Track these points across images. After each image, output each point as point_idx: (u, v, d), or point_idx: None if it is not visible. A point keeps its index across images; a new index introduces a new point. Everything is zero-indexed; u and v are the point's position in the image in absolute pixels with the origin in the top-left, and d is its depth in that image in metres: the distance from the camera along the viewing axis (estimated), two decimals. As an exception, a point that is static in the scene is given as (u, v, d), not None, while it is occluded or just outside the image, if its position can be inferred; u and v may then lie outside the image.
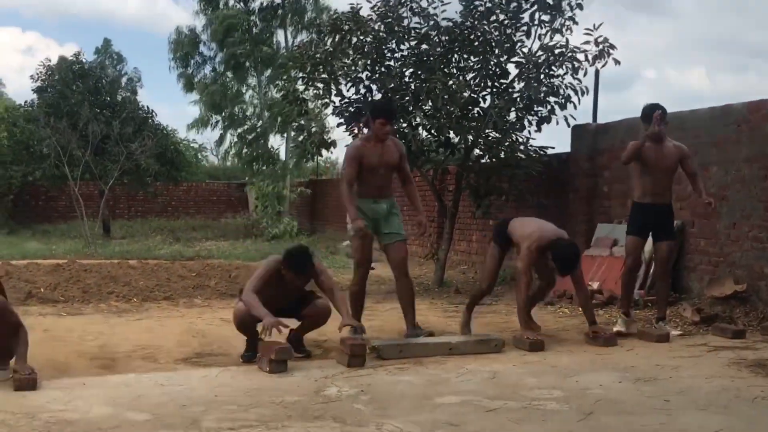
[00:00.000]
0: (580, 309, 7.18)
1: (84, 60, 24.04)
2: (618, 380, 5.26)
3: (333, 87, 10.61)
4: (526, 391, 4.92)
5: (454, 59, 10.55)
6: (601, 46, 9.87)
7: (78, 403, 4.47)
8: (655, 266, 7.60)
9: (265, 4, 25.40)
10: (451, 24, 10.36)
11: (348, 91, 10.66)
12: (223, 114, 26.27)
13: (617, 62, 9.98)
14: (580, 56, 9.99)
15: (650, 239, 7.44)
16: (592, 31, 9.87)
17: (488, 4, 10.26)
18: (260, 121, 25.03)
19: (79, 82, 22.49)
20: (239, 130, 26.07)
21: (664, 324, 7.18)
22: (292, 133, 21.73)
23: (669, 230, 7.25)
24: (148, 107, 23.44)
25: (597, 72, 10.62)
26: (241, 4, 26.09)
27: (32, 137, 20.60)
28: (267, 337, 5.71)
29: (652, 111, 7.11)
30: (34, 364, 5.49)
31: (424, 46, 10.42)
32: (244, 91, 26.66)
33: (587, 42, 9.91)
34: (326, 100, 10.83)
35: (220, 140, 27.79)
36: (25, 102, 23.47)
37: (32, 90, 23.00)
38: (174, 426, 4.06)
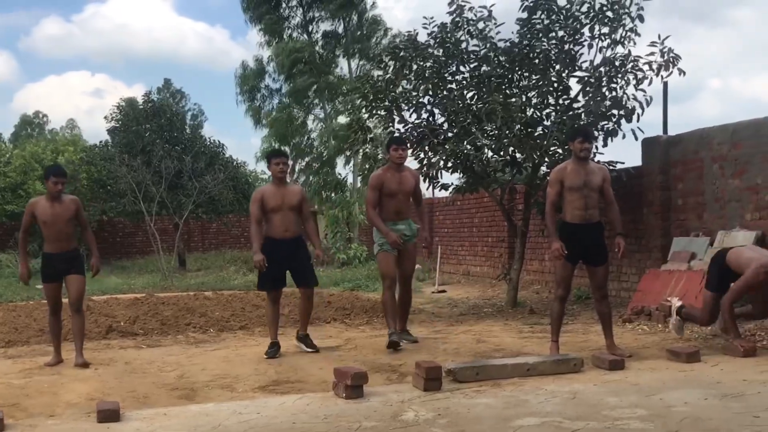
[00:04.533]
0: None
1: (155, 99, 24.81)
2: (704, 397, 5.08)
3: (395, 113, 10.67)
4: (607, 410, 4.80)
5: (514, 78, 10.52)
6: (666, 56, 9.72)
7: (160, 433, 4.55)
8: None
9: (327, 31, 25.82)
10: (509, 44, 10.35)
11: (410, 116, 10.72)
12: (291, 144, 26.70)
13: (682, 72, 9.80)
14: (644, 66, 9.85)
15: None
16: (657, 42, 9.74)
17: (546, 22, 10.23)
18: (326, 150, 25.35)
19: (152, 121, 23.20)
20: (306, 159, 26.45)
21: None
22: (359, 160, 21.97)
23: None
24: (219, 141, 24.05)
25: (665, 84, 10.43)
26: (305, 35, 26.59)
27: (109, 175, 21.32)
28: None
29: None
30: (116, 396, 5.64)
31: (484, 68, 10.42)
32: (310, 121, 27.10)
33: (652, 53, 9.78)
34: (390, 127, 10.90)
35: (291, 171, 28.23)
36: (100, 142, 24.35)
37: (107, 130, 23.84)
38: (254, 454, 4.08)
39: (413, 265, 8.15)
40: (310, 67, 25.40)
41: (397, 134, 10.72)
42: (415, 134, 10.57)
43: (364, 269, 16.59)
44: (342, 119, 25.21)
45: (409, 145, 10.58)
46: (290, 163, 8.74)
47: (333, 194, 23.86)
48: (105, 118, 24.00)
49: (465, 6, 10.45)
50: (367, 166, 12.19)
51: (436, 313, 10.91)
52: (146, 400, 5.74)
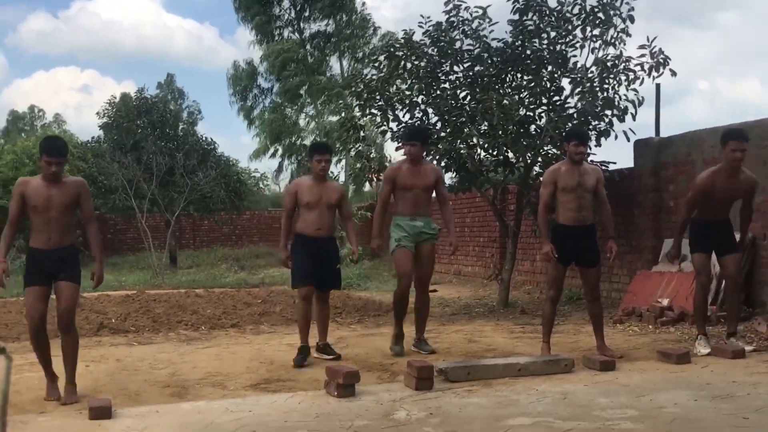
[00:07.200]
0: None
1: (148, 95, 24.73)
2: (694, 398, 5.12)
3: (389, 113, 10.69)
4: (598, 411, 4.83)
5: (507, 78, 10.55)
6: (656, 58, 9.77)
7: (152, 430, 4.56)
8: (725, 281, 7.37)
9: (318, 31, 25.82)
10: (502, 44, 10.38)
11: (404, 115, 10.73)
12: (283, 143, 26.69)
13: (674, 73, 9.85)
14: (636, 68, 9.90)
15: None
16: (647, 44, 9.79)
17: (537, 23, 10.27)
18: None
19: (144, 118, 23.12)
20: (298, 158, 26.45)
21: (735, 340, 6.97)
22: (351, 159, 21.96)
23: (732, 243, 7.02)
24: (211, 139, 23.99)
25: (658, 86, 10.48)
26: (296, 34, 26.57)
27: (100, 172, 21.26)
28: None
29: (729, 136, 6.83)
30: (108, 393, 5.64)
31: (477, 68, 10.45)
32: (301, 119, 27.09)
33: (643, 55, 9.83)
34: (383, 127, 10.91)
35: (279, 168, 28.26)
36: (92, 138, 24.25)
37: (98, 126, 23.75)
38: (246, 452, 4.09)
39: (431, 267, 7.50)
40: (302, 66, 25.41)
41: (393, 131, 10.74)
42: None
43: (356, 268, 16.58)
44: (332, 119, 25.23)
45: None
46: (332, 159, 8.05)
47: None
48: (97, 114, 23.91)
49: (461, 5, 10.49)
50: (359, 165, 12.20)
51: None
52: (138, 398, 5.73)
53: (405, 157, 7.39)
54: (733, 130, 6.93)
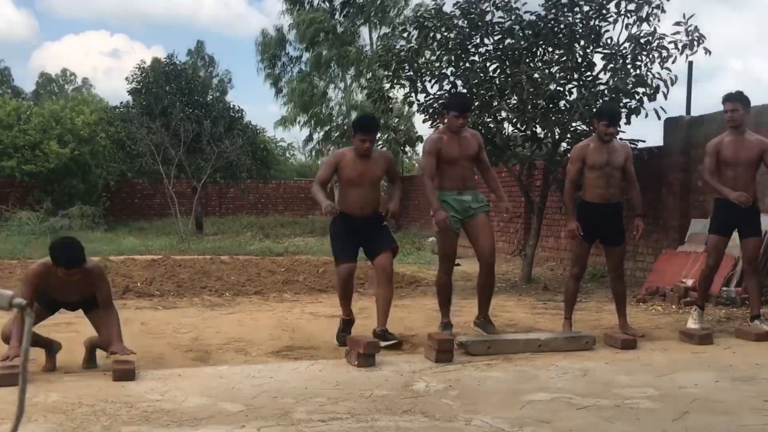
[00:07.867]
0: None
1: (177, 61, 24.79)
2: (715, 379, 5.09)
3: (418, 84, 10.62)
4: (618, 389, 4.82)
5: (538, 53, 10.42)
6: (691, 36, 9.59)
7: (174, 393, 4.62)
8: (743, 265, 7.29)
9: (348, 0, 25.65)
10: (534, 17, 10.25)
11: (432, 87, 10.66)
12: (310, 112, 26.70)
13: (708, 51, 9.67)
14: (669, 45, 9.73)
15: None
16: (682, 21, 9.61)
17: (571, -4, 10.13)
18: (345, 119, 25.32)
19: (173, 84, 23.20)
20: (326, 128, 26.46)
21: (759, 322, 6.90)
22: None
23: (755, 227, 6.94)
24: (238, 107, 24.06)
25: (690, 64, 10.29)
26: (326, 4, 26.43)
27: (129, 137, 21.44)
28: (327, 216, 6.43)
29: (723, 99, 6.80)
30: (132, 355, 5.72)
31: (508, 41, 10.32)
32: (329, 90, 27.03)
33: (677, 32, 9.66)
34: (411, 98, 10.84)
35: (308, 138, 28.33)
36: (121, 103, 24.42)
37: (127, 92, 23.87)
38: (266, 417, 4.15)
39: (492, 238, 6.85)
40: (331, 37, 25.31)
41: (420, 103, 10.64)
42: (437, 106, 10.52)
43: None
44: (360, 96, 25.15)
45: (433, 115, 10.54)
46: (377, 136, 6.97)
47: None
48: (126, 79, 24.03)
49: (493, -24, 10.35)
50: (386, 137, 12.16)
51: (450, 285, 10.92)
52: (161, 361, 5.82)
53: (441, 126, 6.86)
54: (727, 93, 6.85)
